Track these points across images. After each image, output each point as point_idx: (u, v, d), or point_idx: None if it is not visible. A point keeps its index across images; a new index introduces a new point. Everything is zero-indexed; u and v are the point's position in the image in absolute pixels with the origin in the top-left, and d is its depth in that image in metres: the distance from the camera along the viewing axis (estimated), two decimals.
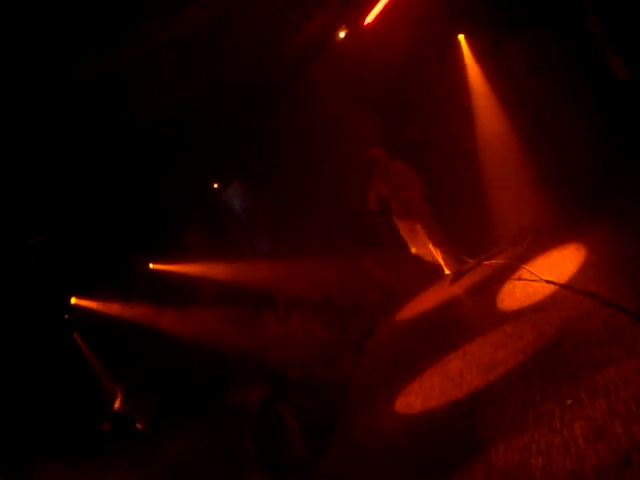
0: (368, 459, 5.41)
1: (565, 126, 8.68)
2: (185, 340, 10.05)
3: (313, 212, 11.16)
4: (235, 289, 11.19)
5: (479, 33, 9.16)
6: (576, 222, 7.42)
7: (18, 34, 5.26)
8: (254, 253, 13.68)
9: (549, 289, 5.81)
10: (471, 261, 8.63)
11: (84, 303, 11.00)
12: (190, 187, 12.02)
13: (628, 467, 2.85)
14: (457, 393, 5.14)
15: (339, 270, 10.39)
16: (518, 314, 5.82)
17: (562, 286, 5.64)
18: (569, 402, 3.71)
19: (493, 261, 8.21)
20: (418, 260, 8.91)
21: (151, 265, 12.26)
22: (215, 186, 13.85)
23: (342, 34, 9.41)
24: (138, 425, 9.20)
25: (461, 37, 9.44)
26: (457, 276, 8.51)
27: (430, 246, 8.61)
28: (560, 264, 6.34)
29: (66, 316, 10.99)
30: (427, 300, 8.63)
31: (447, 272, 8.61)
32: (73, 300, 10.93)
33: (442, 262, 8.60)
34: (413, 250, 8.76)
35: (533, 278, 6.36)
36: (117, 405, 9.70)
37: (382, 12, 8.83)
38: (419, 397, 5.65)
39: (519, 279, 6.71)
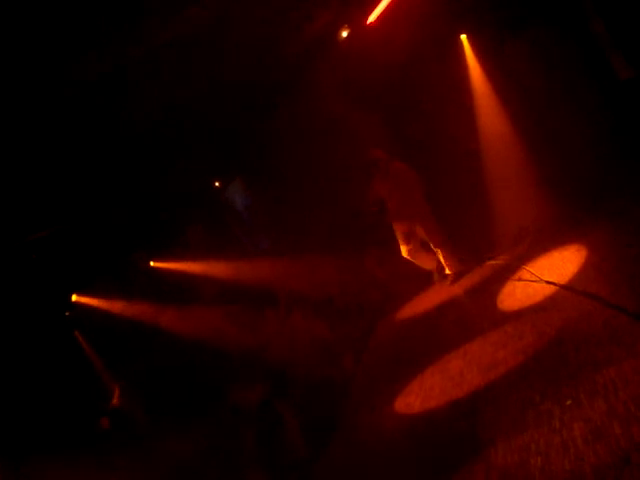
0: (368, 459, 5.42)
1: (567, 126, 8.68)
2: (186, 338, 10.05)
3: (314, 211, 11.16)
4: (236, 287, 11.19)
5: (481, 33, 9.17)
6: (577, 222, 7.42)
7: (20, 35, 5.27)
8: (256, 251, 13.69)
9: (549, 289, 5.82)
10: (474, 261, 8.64)
11: (85, 300, 11.00)
12: (191, 185, 12.02)
13: (627, 468, 2.86)
14: (457, 393, 5.15)
15: (340, 269, 10.39)
16: (518, 314, 5.83)
17: (562, 287, 5.65)
18: (568, 402, 3.72)
19: (494, 261, 8.22)
20: (408, 262, 8.90)
21: (152, 263, 12.26)
22: (216, 184, 13.86)
23: (345, 33, 9.41)
24: (138, 423, 9.21)
25: (463, 37, 9.45)
26: (458, 276, 8.51)
27: (430, 250, 8.64)
28: (560, 264, 6.34)
29: (67, 313, 10.99)
30: (428, 300, 8.63)
31: (448, 272, 8.62)
32: (74, 297, 10.94)
33: (443, 262, 8.61)
34: (404, 252, 8.76)
35: (533, 278, 6.38)
36: (115, 401, 9.71)
37: (385, 11, 8.84)
38: (419, 397, 5.66)
39: (519, 279, 6.72)
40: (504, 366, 4.94)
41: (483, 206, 9.40)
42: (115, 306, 11.07)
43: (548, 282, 5.98)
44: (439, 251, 8.56)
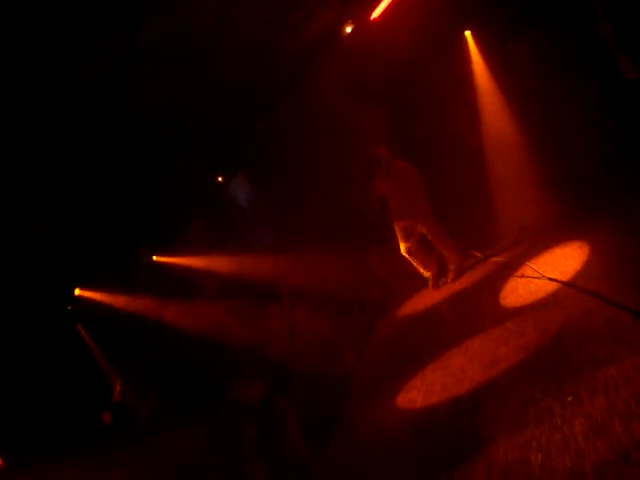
0: (369, 455, 5.43)
1: (570, 125, 8.66)
2: (188, 333, 10.07)
3: (317, 208, 11.16)
4: (239, 282, 11.20)
5: (486, 30, 9.14)
6: (579, 220, 7.42)
7: (21, 36, 5.29)
8: (258, 247, 13.70)
9: (552, 287, 5.82)
10: (478, 254, 8.66)
11: (88, 294, 11.03)
12: (194, 181, 12.04)
13: (627, 465, 2.87)
14: (459, 389, 5.15)
15: (342, 266, 10.40)
16: (520, 311, 5.83)
17: (565, 284, 5.65)
18: (570, 399, 3.72)
19: (496, 258, 8.23)
20: (406, 261, 8.90)
21: (155, 257, 12.28)
22: (220, 179, 13.86)
23: (349, 29, 9.40)
24: (140, 418, 9.23)
25: (467, 34, 9.42)
26: (460, 272, 8.52)
27: (430, 251, 8.64)
28: (563, 262, 6.35)
29: (69, 307, 11.01)
30: (429, 296, 8.64)
31: (450, 268, 8.63)
32: (77, 291, 10.96)
33: (446, 258, 8.62)
34: (403, 250, 8.76)
35: (536, 275, 6.38)
36: (117, 396, 9.73)
37: (389, 7, 8.83)
38: (421, 393, 5.67)
39: (522, 276, 6.72)
40: (505, 363, 4.95)
41: (485, 204, 9.40)
42: (118, 300, 11.10)
43: (550, 279, 5.98)
44: (442, 248, 8.56)
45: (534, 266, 6.64)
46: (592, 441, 3.21)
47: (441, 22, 9.05)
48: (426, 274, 8.77)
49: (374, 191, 8.67)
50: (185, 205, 12.37)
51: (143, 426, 8.93)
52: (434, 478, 4.13)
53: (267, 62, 8.96)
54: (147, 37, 6.52)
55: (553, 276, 6.01)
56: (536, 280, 6.29)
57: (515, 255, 7.72)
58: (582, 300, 5.06)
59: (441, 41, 9.31)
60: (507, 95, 9.25)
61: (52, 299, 10.43)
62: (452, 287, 8.40)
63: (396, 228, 8.72)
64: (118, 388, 9.81)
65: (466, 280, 8.27)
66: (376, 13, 8.95)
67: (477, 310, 6.84)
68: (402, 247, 8.73)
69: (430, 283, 8.76)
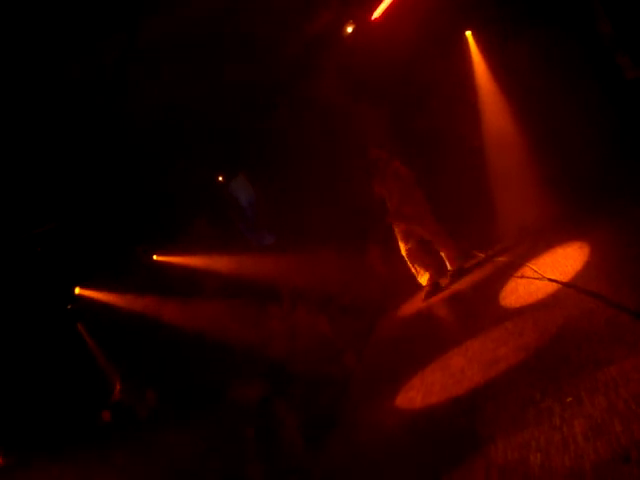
0: (368, 455, 5.42)
1: (570, 125, 8.66)
2: (188, 332, 10.06)
3: (318, 208, 11.15)
4: (239, 282, 11.19)
5: (486, 29, 9.14)
6: (579, 221, 7.42)
7: (22, 36, 5.29)
8: (259, 246, 13.70)
9: (551, 287, 5.82)
10: (480, 254, 8.65)
11: (88, 293, 11.03)
12: (194, 180, 12.04)
13: (627, 465, 2.86)
14: (458, 389, 5.15)
15: (343, 266, 10.39)
16: (520, 311, 5.83)
17: (565, 284, 5.65)
18: (569, 400, 3.72)
19: (496, 258, 8.22)
20: (405, 262, 8.89)
21: (155, 257, 12.28)
22: (220, 179, 13.86)
23: (350, 29, 9.40)
24: (139, 416, 9.22)
25: (468, 33, 9.42)
26: (459, 273, 8.51)
27: (430, 252, 8.62)
28: (563, 262, 6.34)
29: (69, 306, 11.01)
30: None
31: (450, 268, 8.62)
32: (77, 290, 10.96)
33: (445, 258, 8.61)
34: (403, 251, 8.76)
35: (536, 276, 6.37)
36: (116, 395, 9.73)
37: (389, 7, 8.83)
38: (420, 393, 5.67)
39: (522, 277, 6.72)
40: (505, 363, 4.94)
41: (485, 203, 9.39)
42: (118, 300, 11.09)
43: (550, 280, 5.98)
44: (441, 248, 8.56)
45: (534, 266, 6.63)
46: (592, 441, 3.21)
47: (442, 22, 9.06)
48: (422, 281, 8.73)
49: (374, 192, 8.67)
50: (185, 204, 12.37)
51: (142, 425, 8.92)
52: (433, 478, 4.13)
53: (267, 62, 8.96)
54: (147, 37, 6.52)
55: (553, 276, 6.01)
56: (536, 280, 6.28)
57: (515, 255, 7.72)
58: (582, 301, 5.05)
59: (442, 41, 9.31)
60: (507, 95, 9.25)
61: (52, 298, 10.43)
62: (452, 287, 8.40)
63: (395, 229, 8.72)
64: (118, 387, 9.81)
65: (466, 280, 8.27)
66: (377, 13, 8.95)
67: (477, 310, 6.84)
68: (402, 248, 8.72)
69: (423, 293, 8.73)
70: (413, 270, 8.73)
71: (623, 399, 3.35)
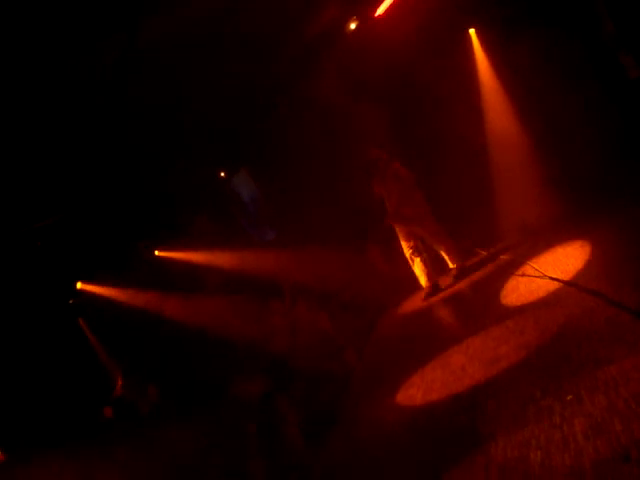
0: (368, 452, 5.43)
1: (572, 124, 8.65)
2: (190, 328, 10.08)
3: (319, 205, 11.16)
4: (241, 278, 11.20)
5: (490, 28, 9.13)
6: (581, 220, 7.43)
7: (23, 35, 5.30)
8: (261, 242, 13.71)
9: (552, 286, 5.83)
10: (483, 252, 8.66)
11: (90, 288, 11.04)
12: (196, 175, 12.05)
13: (627, 464, 2.88)
14: (458, 387, 5.16)
15: (343, 263, 10.40)
16: (521, 310, 5.84)
17: (566, 283, 5.66)
18: (569, 398, 3.73)
19: (498, 257, 8.23)
20: (406, 261, 8.89)
21: (157, 252, 12.29)
22: (222, 175, 13.87)
23: (353, 26, 9.38)
24: (140, 412, 9.24)
25: (472, 31, 9.41)
26: (461, 271, 8.52)
27: (431, 253, 8.63)
28: (564, 261, 6.36)
29: (70, 301, 11.02)
30: None
31: (451, 266, 8.63)
32: (79, 285, 10.97)
33: (446, 257, 8.61)
34: (405, 250, 8.76)
35: (537, 274, 6.39)
36: (119, 391, 9.75)
37: (393, 4, 8.82)
38: (420, 390, 5.68)
39: (523, 275, 6.73)
40: (506, 361, 4.96)
41: (487, 202, 9.39)
42: (119, 295, 11.10)
43: (551, 278, 5.99)
44: (441, 249, 8.55)
45: (535, 265, 6.65)
46: (592, 440, 3.22)
47: (445, 20, 9.04)
48: (423, 281, 8.74)
49: (374, 193, 8.66)
50: (187, 200, 12.37)
51: (144, 421, 8.94)
52: (433, 475, 4.15)
53: (268, 61, 8.96)
54: (147, 37, 6.52)
55: (554, 275, 6.02)
56: (537, 279, 6.30)
57: (516, 254, 7.73)
58: (583, 299, 5.07)
59: (445, 39, 9.29)
60: (509, 94, 9.24)
61: (54, 293, 10.44)
62: (453, 286, 8.41)
63: (397, 229, 8.72)
64: (120, 382, 9.82)
65: (467, 279, 8.28)
66: (380, 10, 8.94)
67: (478, 308, 6.86)
68: (404, 247, 8.72)
69: (424, 292, 8.74)
70: (414, 269, 8.74)
71: (623, 398, 3.37)
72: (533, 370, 4.48)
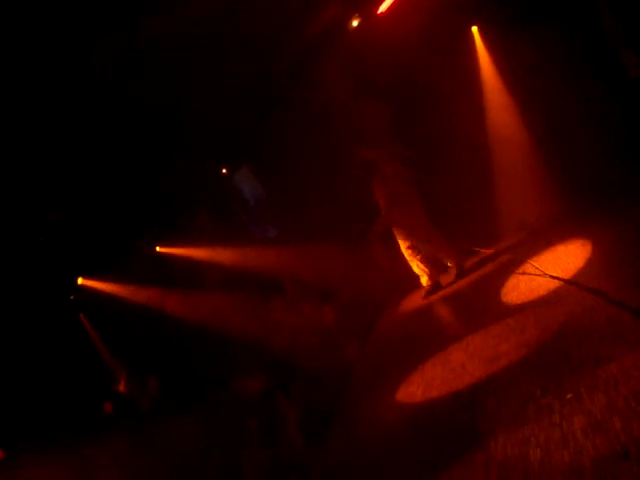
0: (368, 451, 5.44)
1: (573, 123, 8.64)
2: (191, 324, 10.09)
3: (321, 202, 11.15)
4: (242, 274, 11.21)
5: (492, 25, 9.11)
6: (582, 219, 7.43)
7: (24, 35, 5.30)
8: (262, 239, 13.72)
9: (553, 284, 5.84)
10: (483, 251, 8.66)
11: (91, 284, 11.05)
12: (198, 172, 12.05)
13: (626, 462, 2.88)
14: (458, 384, 5.17)
15: (345, 260, 10.40)
16: (522, 308, 5.84)
17: (566, 281, 5.66)
18: (569, 396, 3.74)
19: (498, 255, 8.23)
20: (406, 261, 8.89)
21: (158, 248, 12.30)
22: (224, 171, 13.87)
23: (355, 23, 9.37)
24: (141, 408, 9.25)
25: (474, 29, 9.39)
26: (461, 270, 8.52)
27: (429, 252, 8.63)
28: (565, 260, 6.36)
29: (71, 297, 11.04)
30: None
31: (449, 265, 8.63)
32: (80, 281, 10.98)
33: (445, 256, 8.60)
34: (403, 250, 8.75)
35: (537, 273, 6.39)
36: (121, 387, 9.77)
37: (396, 1, 8.81)
38: (420, 388, 5.69)
39: (524, 273, 6.73)
40: (506, 359, 4.96)
41: (488, 200, 9.38)
42: (121, 290, 11.12)
43: (552, 277, 5.99)
44: (440, 247, 8.54)
45: (536, 263, 6.65)
46: (591, 438, 3.23)
47: (447, 18, 9.03)
48: (423, 280, 8.74)
49: (374, 194, 8.65)
50: (188, 196, 12.38)
51: (144, 417, 8.96)
52: (433, 473, 4.15)
53: (268, 61, 8.96)
54: (147, 37, 6.51)
55: (555, 274, 6.02)
56: (538, 277, 6.30)
57: (517, 252, 7.73)
58: (583, 298, 5.07)
59: (447, 36, 9.28)
60: (511, 92, 9.23)
61: (55, 288, 10.45)
62: (453, 285, 8.42)
63: (395, 231, 8.71)
64: (123, 378, 9.84)
65: (467, 278, 8.28)
66: (383, 7, 8.93)
67: (478, 307, 6.86)
68: (402, 247, 8.71)
69: (424, 291, 8.73)
70: (414, 268, 8.73)
71: (623, 396, 3.37)
72: (533, 368, 4.48)
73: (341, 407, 6.97)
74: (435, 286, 8.59)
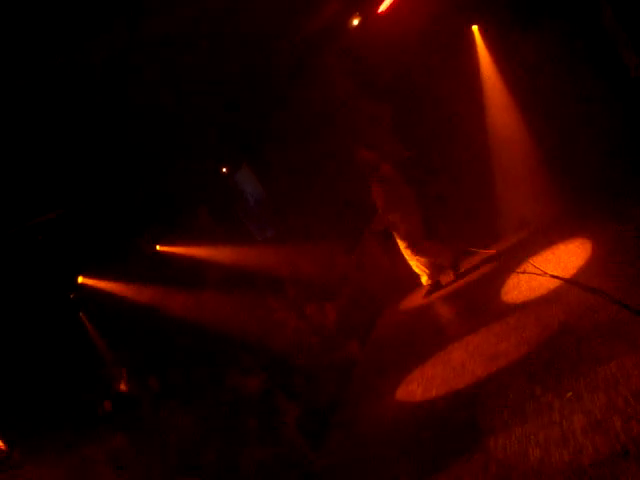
0: (368, 449, 5.46)
1: (574, 122, 8.64)
2: (190, 322, 10.09)
3: (320, 202, 11.15)
4: (242, 273, 11.20)
5: (493, 25, 9.11)
6: (582, 218, 7.43)
7: (25, 34, 5.31)
8: (262, 238, 13.72)
9: (553, 283, 5.84)
10: (481, 251, 8.66)
11: (91, 282, 11.04)
12: (198, 170, 12.05)
13: (625, 461, 2.89)
14: (459, 383, 5.18)
15: (345, 259, 10.40)
16: (522, 307, 5.85)
17: (566, 280, 5.66)
18: (569, 395, 3.74)
19: (498, 254, 8.24)
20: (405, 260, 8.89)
21: (158, 247, 12.30)
22: (224, 170, 13.87)
23: (356, 21, 9.36)
24: (141, 406, 9.25)
25: (475, 28, 9.39)
26: (455, 271, 8.52)
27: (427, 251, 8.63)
28: (565, 259, 6.37)
29: (71, 295, 11.03)
30: None
31: (447, 266, 8.63)
32: (80, 279, 10.97)
33: (442, 257, 8.60)
34: (402, 249, 8.75)
35: (538, 272, 6.39)
36: (122, 386, 9.76)
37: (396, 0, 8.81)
38: (420, 386, 5.70)
39: (524, 272, 6.72)
40: (506, 358, 4.97)
41: (488, 199, 9.38)
42: (121, 289, 11.11)
43: (552, 276, 5.99)
44: (435, 248, 8.54)
45: (536, 262, 6.65)
46: (590, 437, 3.23)
47: (448, 17, 9.03)
48: (423, 279, 8.74)
49: (372, 196, 8.65)
50: (188, 195, 12.38)
51: (143, 414, 8.96)
52: (433, 472, 4.16)
53: (268, 60, 8.95)
54: (147, 37, 6.52)
55: (555, 273, 6.02)
56: (538, 276, 6.29)
57: (517, 251, 7.73)
58: (584, 297, 5.07)
59: (448, 36, 9.27)
60: (512, 91, 9.23)
61: (54, 287, 10.44)
62: (453, 284, 8.42)
63: (393, 232, 8.71)
64: (124, 377, 9.83)
65: (468, 276, 8.29)
66: (384, 6, 8.93)
67: (479, 305, 6.87)
68: (401, 247, 8.70)
69: (424, 290, 8.74)
70: (414, 267, 8.73)
71: (622, 395, 3.38)
72: (533, 367, 4.49)
73: (341, 406, 6.97)
74: (435, 285, 8.58)
